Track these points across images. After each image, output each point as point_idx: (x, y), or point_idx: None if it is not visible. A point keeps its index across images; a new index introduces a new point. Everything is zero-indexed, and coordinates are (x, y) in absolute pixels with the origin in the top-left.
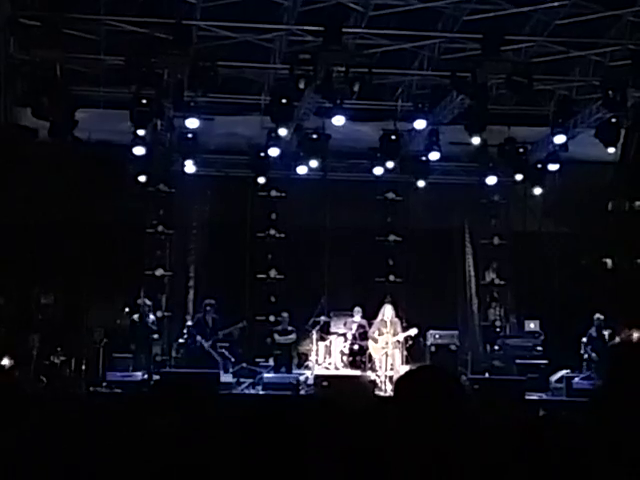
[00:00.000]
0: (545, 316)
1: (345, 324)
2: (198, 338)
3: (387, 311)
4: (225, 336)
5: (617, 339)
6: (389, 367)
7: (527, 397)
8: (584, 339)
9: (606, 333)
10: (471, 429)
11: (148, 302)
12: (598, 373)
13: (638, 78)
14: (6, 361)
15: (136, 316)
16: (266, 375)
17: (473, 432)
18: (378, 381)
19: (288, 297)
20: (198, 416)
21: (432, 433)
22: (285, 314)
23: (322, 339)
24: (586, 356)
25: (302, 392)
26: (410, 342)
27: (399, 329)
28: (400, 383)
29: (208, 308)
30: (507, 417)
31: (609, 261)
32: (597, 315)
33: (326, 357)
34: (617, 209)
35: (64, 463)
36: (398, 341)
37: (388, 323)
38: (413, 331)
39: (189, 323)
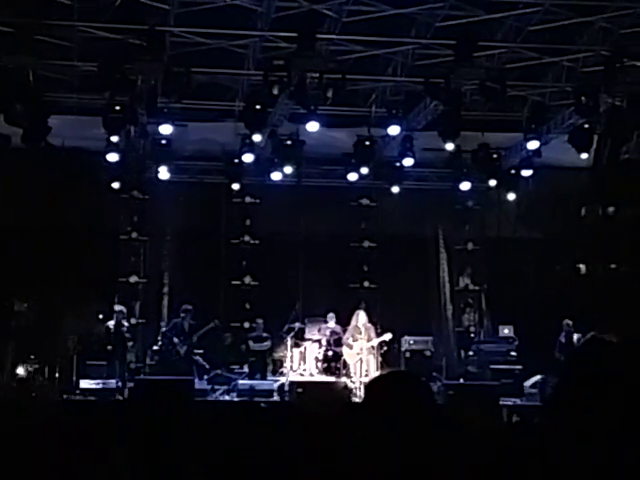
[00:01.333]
0: (519, 321)
1: (319, 330)
2: (175, 340)
3: (360, 317)
4: (199, 339)
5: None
6: (364, 373)
7: (501, 402)
8: (557, 347)
9: (575, 338)
10: (442, 434)
11: (123, 309)
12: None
13: (610, 84)
14: None
15: (110, 323)
16: (241, 382)
17: (445, 437)
18: (353, 387)
19: (263, 304)
20: (173, 423)
21: (401, 438)
22: (260, 321)
23: (297, 345)
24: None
25: (276, 398)
26: (385, 348)
27: (373, 335)
28: (369, 388)
29: (183, 314)
30: (481, 422)
31: (583, 266)
32: (566, 321)
33: (301, 363)
34: (590, 214)
35: (39, 469)
36: (372, 347)
37: (362, 329)
38: (387, 336)
39: (163, 329)
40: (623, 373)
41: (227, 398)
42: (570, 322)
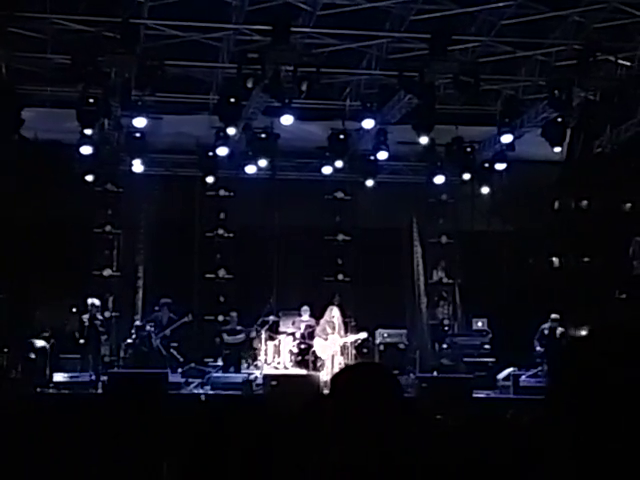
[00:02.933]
0: (493, 314)
1: (293, 323)
2: (152, 333)
3: (334, 312)
4: (172, 332)
5: (565, 337)
6: (337, 367)
7: (475, 395)
8: (537, 336)
9: (559, 331)
10: (408, 426)
11: (96, 302)
12: (546, 371)
13: (583, 78)
14: None
15: (85, 316)
16: (215, 375)
17: (411, 430)
18: (327, 380)
19: (237, 297)
20: (147, 416)
21: (367, 430)
22: (234, 314)
23: (271, 338)
24: (535, 352)
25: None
26: (358, 342)
27: (345, 331)
28: (335, 380)
29: (157, 308)
30: (454, 415)
31: (556, 259)
32: (554, 315)
33: (275, 357)
34: (563, 208)
35: (12, 462)
36: (345, 342)
37: (336, 324)
38: (363, 335)
39: (137, 323)
40: (604, 368)
41: (201, 391)
42: (558, 317)
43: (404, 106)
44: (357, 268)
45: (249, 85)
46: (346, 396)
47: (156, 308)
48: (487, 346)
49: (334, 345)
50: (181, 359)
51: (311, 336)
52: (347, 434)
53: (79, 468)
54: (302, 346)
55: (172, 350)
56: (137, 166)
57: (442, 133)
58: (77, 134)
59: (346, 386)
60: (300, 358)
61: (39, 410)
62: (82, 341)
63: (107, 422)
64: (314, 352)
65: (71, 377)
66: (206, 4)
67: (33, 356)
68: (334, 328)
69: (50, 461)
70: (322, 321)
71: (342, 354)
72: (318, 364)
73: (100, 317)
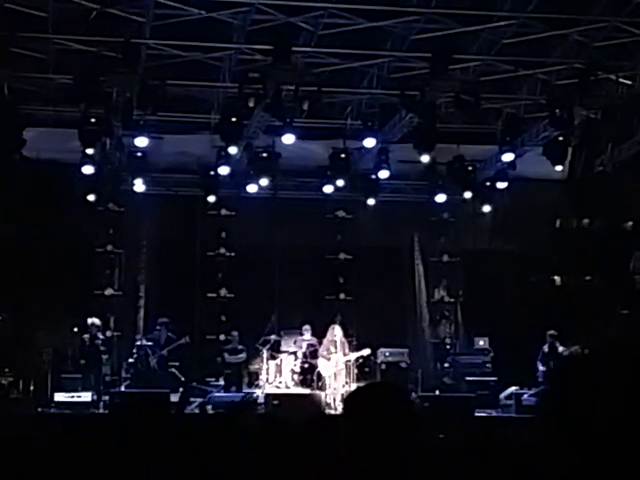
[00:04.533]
0: (494, 333)
1: (295, 342)
2: (149, 352)
3: (336, 331)
4: (170, 353)
5: (565, 354)
6: (340, 386)
7: (477, 414)
8: (539, 356)
9: (560, 349)
10: (422, 446)
11: (97, 322)
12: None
13: (585, 97)
14: None
15: (86, 336)
16: (216, 394)
17: (424, 449)
18: (329, 400)
19: (238, 316)
20: (150, 436)
21: (382, 450)
22: (235, 333)
23: (272, 358)
24: (538, 372)
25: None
26: (360, 360)
27: (348, 349)
28: (349, 400)
29: (158, 327)
30: (457, 435)
31: (558, 278)
32: (550, 332)
33: (277, 376)
34: (565, 226)
35: None
36: (349, 361)
37: (338, 343)
38: (366, 351)
39: (138, 343)
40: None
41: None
42: (555, 333)
43: (405, 125)
44: (359, 287)
45: (250, 104)
46: (360, 416)
47: (157, 328)
48: (489, 365)
49: (337, 364)
50: (182, 378)
51: (313, 355)
52: (361, 453)
53: None
54: (305, 365)
55: (173, 369)
56: (139, 185)
57: (443, 152)
58: (79, 154)
59: (360, 406)
60: (302, 377)
61: (40, 430)
62: (83, 361)
63: (110, 442)
64: (317, 371)
65: (72, 397)
66: (207, 24)
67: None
68: (336, 346)
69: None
70: (325, 340)
71: (345, 373)
72: (320, 383)
73: (101, 336)
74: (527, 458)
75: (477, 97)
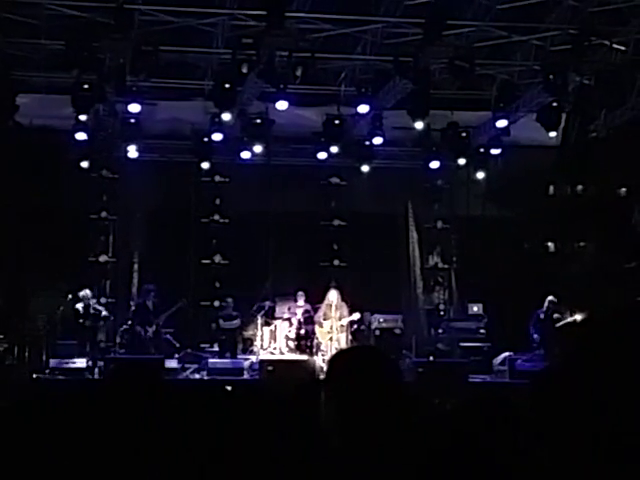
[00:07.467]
0: (488, 299)
1: (289, 309)
2: (138, 329)
3: (332, 295)
4: (167, 319)
5: (561, 322)
6: (334, 351)
7: (471, 379)
8: (532, 322)
9: (555, 316)
10: (408, 410)
11: (88, 293)
12: (542, 355)
13: (579, 62)
14: None
15: (79, 305)
16: (211, 360)
17: (411, 413)
18: (323, 365)
19: (233, 282)
20: (145, 402)
21: (365, 414)
22: (230, 299)
23: (267, 324)
24: (532, 337)
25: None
26: (355, 326)
27: (345, 313)
28: (332, 362)
29: (144, 295)
30: (451, 399)
31: (551, 244)
32: (550, 297)
33: (271, 342)
34: (559, 192)
35: (10, 451)
36: (342, 325)
37: (334, 307)
38: (355, 316)
39: (133, 309)
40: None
41: (197, 377)
42: (554, 299)
43: (399, 91)
44: (353, 253)
45: (244, 70)
46: (342, 380)
47: (147, 294)
48: (483, 331)
49: (331, 329)
50: (177, 345)
51: (308, 321)
52: (344, 419)
53: (77, 454)
54: (300, 331)
55: (168, 336)
56: (132, 152)
57: (437, 118)
58: (72, 120)
59: (342, 369)
60: (296, 343)
61: (36, 396)
62: (78, 327)
63: (106, 408)
64: (312, 337)
65: (67, 363)
66: None
67: None
68: (332, 311)
69: (47, 448)
70: (322, 305)
71: (339, 337)
72: (314, 349)
73: (97, 305)
74: (523, 422)
75: (471, 63)
